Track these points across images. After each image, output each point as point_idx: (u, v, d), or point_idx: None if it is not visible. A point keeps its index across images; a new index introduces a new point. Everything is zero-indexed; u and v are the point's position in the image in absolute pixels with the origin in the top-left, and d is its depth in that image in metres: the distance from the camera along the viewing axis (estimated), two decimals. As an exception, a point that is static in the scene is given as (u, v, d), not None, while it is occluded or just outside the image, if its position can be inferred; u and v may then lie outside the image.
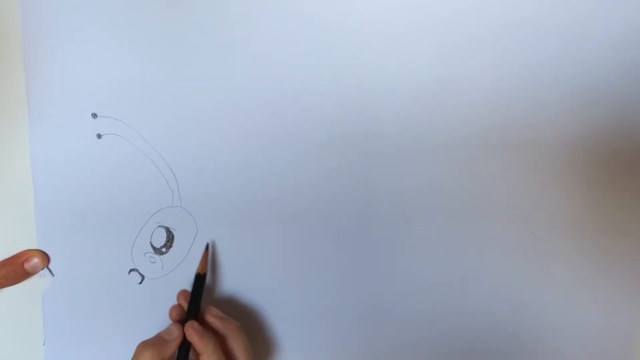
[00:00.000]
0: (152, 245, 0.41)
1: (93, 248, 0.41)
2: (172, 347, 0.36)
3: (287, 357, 0.43)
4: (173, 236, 0.41)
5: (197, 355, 0.37)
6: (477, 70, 0.38)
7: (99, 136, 0.38)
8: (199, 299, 0.39)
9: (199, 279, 0.39)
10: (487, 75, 0.38)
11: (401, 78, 0.38)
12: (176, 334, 0.37)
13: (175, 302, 0.41)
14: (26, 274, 0.40)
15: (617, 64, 0.38)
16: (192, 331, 0.37)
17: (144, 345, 0.36)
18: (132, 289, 0.41)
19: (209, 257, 0.41)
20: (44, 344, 0.42)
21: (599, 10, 0.37)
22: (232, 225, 0.40)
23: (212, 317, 0.38)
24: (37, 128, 0.38)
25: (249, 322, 0.42)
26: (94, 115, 0.38)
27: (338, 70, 0.38)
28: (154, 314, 0.42)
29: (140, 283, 0.41)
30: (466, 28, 0.37)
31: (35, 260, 0.40)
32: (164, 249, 0.41)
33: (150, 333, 0.42)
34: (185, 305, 0.39)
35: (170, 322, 0.39)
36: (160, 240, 0.41)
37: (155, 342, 0.36)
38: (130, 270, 0.41)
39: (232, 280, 0.41)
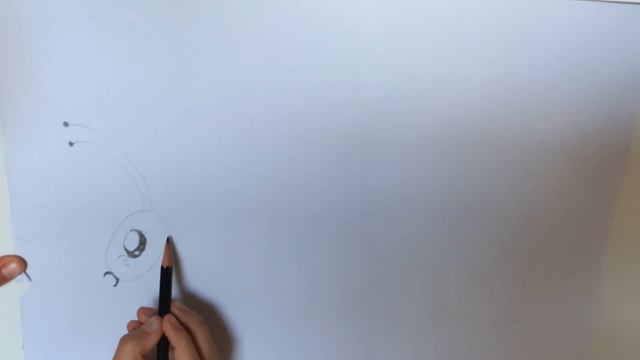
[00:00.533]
0: (125, 249, 0.42)
1: (69, 252, 0.42)
2: (153, 339, 0.38)
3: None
4: (145, 239, 0.42)
5: (172, 349, 0.38)
6: (476, 70, 0.39)
7: (71, 144, 0.40)
8: (169, 292, 0.40)
9: (165, 272, 0.41)
10: (486, 74, 0.39)
11: (401, 78, 0.40)
12: (156, 326, 0.38)
13: (148, 305, 0.42)
14: (3, 279, 0.41)
15: (617, 65, 0.39)
16: (168, 325, 0.38)
17: (126, 339, 0.37)
18: (108, 292, 0.43)
19: (172, 251, 0.42)
20: (23, 347, 0.43)
21: (599, 10, 0.38)
22: (202, 226, 0.42)
23: (176, 309, 0.40)
24: (11, 137, 0.40)
25: (212, 315, 0.43)
26: (66, 124, 0.39)
27: (336, 70, 0.39)
28: (130, 315, 0.43)
29: (115, 285, 0.43)
30: (466, 28, 0.39)
31: (13, 266, 0.41)
32: (137, 252, 0.42)
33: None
34: (144, 319, 0.40)
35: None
36: (133, 243, 0.42)
37: (136, 335, 0.37)
38: (105, 273, 0.42)
39: (196, 276, 0.43)
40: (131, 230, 0.42)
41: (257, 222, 0.42)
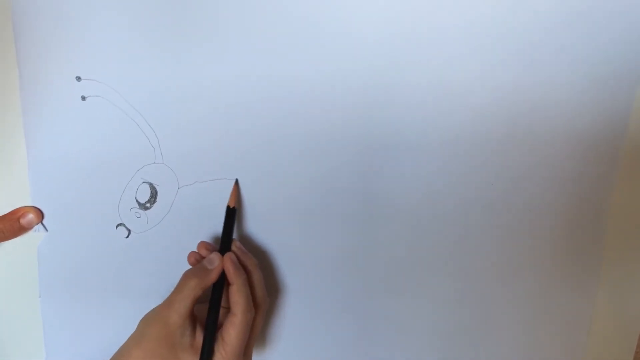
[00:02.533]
0: (137, 201, 0.44)
1: (83, 204, 0.44)
2: (214, 275, 0.39)
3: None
4: (157, 191, 0.43)
5: (228, 287, 0.40)
6: (481, 72, 0.40)
7: (83, 98, 0.41)
8: (231, 232, 0.42)
9: (230, 211, 0.42)
10: (492, 77, 0.40)
11: (407, 79, 0.40)
12: (217, 262, 0.39)
13: (159, 255, 0.44)
14: (22, 229, 0.43)
15: (617, 66, 0.40)
16: (230, 262, 0.39)
17: (189, 275, 0.39)
18: (121, 243, 0.44)
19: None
20: (39, 296, 0.45)
21: (598, 11, 0.39)
22: (211, 181, 0.43)
23: (236, 248, 0.41)
24: (27, 92, 0.41)
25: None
26: (78, 79, 0.41)
27: (343, 71, 0.40)
28: (141, 266, 0.45)
29: (127, 237, 0.44)
30: (471, 30, 0.39)
31: (31, 216, 0.43)
32: (148, 204, 0.44)
33: (138, 283, 0.45)
34: (204, 253, 0.41)
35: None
36: (144, 195, 0.44)
37: (198, 272, 0.39)
38: (118, 225, 0.44)
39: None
40: (143, 182, 0.43)
41: (260, 181, 0.43)
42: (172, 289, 0.45)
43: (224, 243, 0.41)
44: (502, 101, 0.40)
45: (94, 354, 0.47)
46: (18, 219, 0.43)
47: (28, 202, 0.43)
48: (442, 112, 0.41)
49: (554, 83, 0.40)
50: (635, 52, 0.39)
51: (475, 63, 0.40)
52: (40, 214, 0.44)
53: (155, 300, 0.45)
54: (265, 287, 0.42)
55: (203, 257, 0.41)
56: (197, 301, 0.38)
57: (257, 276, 0.41)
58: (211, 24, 0.40)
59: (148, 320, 0.39)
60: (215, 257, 0.40)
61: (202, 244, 0.42)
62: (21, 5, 0.40)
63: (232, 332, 0.38)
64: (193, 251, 0.42)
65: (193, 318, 0.39)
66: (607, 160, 0.42)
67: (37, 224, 0.44)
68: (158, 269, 0.45)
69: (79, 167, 0.43)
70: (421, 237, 0.44)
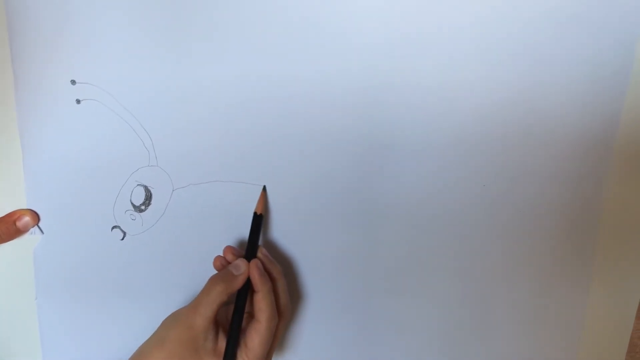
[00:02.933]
0: (132, 203, 0.44)
1: (78, 207, 0.44)
2: (240, 281, 0.39)
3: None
4: (151, 194, 0.44)
5: (252, 293, 0.40)
6: (479, 74, 0.40)
7: (78, 101, 0.42)
8: (257, 238, 0.42)
9: (256, 218, 0.42)
10: (488, 78, 0.40)
11: (409, 80, 0.40)
12: (243, 269, 0.39)
13: (155, 258, 0.44)
14: (18, 232, 0.43)
15: (607, 68, 0.40)
16: (256, 269, 0.39)
17: (215, 280, 0.39)
18: (116, 245, 0.45)
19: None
20: (36, 298, 0.46)
21: (590, 15, 0.39)
22: (206, 183, 0.43)
23: (262, 255, 0.41)
24: (23, 96, 0.42)
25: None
26: (73, 82, 0.41)
27: (343, 71, 0.40)
28: (137, 268, 0.45)
29: (123, 239, 0.45)
30: (469, 32, 0.39)
31: (27, 219, 0.44)
32: (143, 207, 0.44)
33: (134, 285, 0.46)
34: (230, 258, 0.41)
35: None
36: (139, 198, 0.44)
37: (225, 277, 0.39)
38: (113, 227, 0.44)
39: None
40: (137, 185, 0.43)
41: (257, 190, 0.43)
42: (167, 290, 0.45)
43: (249, 249, 0.41)
44: (497, 103, 0.41)
45: (91, 356, 0.47)
46: (14, 222, 0.43)
47: (24, 205, 0.44)
48: (438, 113, 0.41)
49: (547, 86, 0.40)
50: (624, 55, 0.39)
51: (472, 65, 0.40)
52: (36, 217, 0.44)
53: (151, 302, 0.46)
54: (288, 294, 0.42)
55: (229, 262, 0.41)
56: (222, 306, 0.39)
57: (281, 284, 0.41)
58: (206, 26, 0.40)
59: (171, 323, 0.39)
60: (241, 263, 0.40)
61: (228, 248, 0.42)
62: (16, 10, 0.40)
63: (255, 339, 0.38)
64: (219, 255, 0.42)
65: (216, 323, 0.39)
66: (600, 161, 0.42)
67: (33, 226, 0.44)
68: (153, 271, 0.45)
69: (75, 170, 0.43)
70: (420, 237, 0.44)
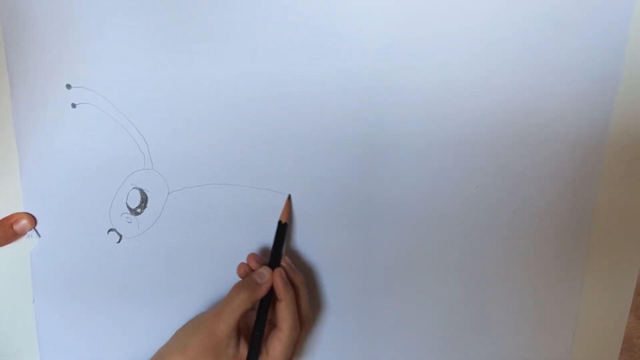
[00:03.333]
0: (128, 206, 0.44)
1: (74, 210, 0.44)
2: (264, 290, 0.39)
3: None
4: (147, 197, 0.44)
5: (275, 301, 0.40)
6: (478, 77, 0.40)
7: (74, 105, 0.42)
8: (281, 247, 0.42)
9: (281, 227, 0.42)
10: (487, 81, 0.40)
11: (408, 81, 0.41)
12: (267, 277, 0.40)
13: (151, 261, 0.44)
14: (15, 235, 0.44)
15: (598, 71, 0.40)
16: (280, 278, 0.40)
17: (240, 288, 0.39)
18: (112, 248, 0.45)
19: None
20: (33, 301, 0.46)
21: (588, 19, 0.39)
22: (201, 186, 0.44)
23: (285, 264, 0.41)
24: (18, 99, 0.42)
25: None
26: (68, 86, 0.42)
27: (345, 72, 0.41)
28: (133, 270, 0.45)
29: (119, 242, 0.45)
30: (472, 33, 0.40)
31: (24, 222, 0.44)
32: (139, 210, 0.44)
33: (130, 287, 0.46)
34: (254, 266, 0.42)
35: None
36: (135, 201, 0.44)
37: (249, 285, 0.39)
38: (109, 230, 0.45)
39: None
40: (133, 188, 0.44)
41: (253, 192, 0.44)
42: (164, 292, 0.46)
43: (273, 258, 0.42)
44: (491, 105, 0.41)
45: (89, 357, 0.47)
46: (11, 225, 0.44)
47: (21, 209, 0.44)
48: (436, 114, 0.41)
49: (540, 88, 0.40)
50: (614, 58, 0.40)
51: (468, 67, 0.40)
52: (33, 220, 0.44)
53: (148, 304, 0.46)
54: (309, 304, 0.42)
55: (252, 270, 0.41)
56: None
57: (303, 293, 0.41)
58: (202, 28, 0.40)
59: (193, 329, 0.39)
60: (265, 271, 0.40)
61: (252, 256, 0.42)
62: (10, 14, 0.40)
63: (277, 347, 0.38)
64: (243, 262, 0.42)
65: (238, 330, 0.39)
66: (592, 162, 0.42)
67: (30, 229, 0.44)
68: (150, 273, 0.45)
69: (71, 174, 0.44)
70: (416, 237, 0.44)
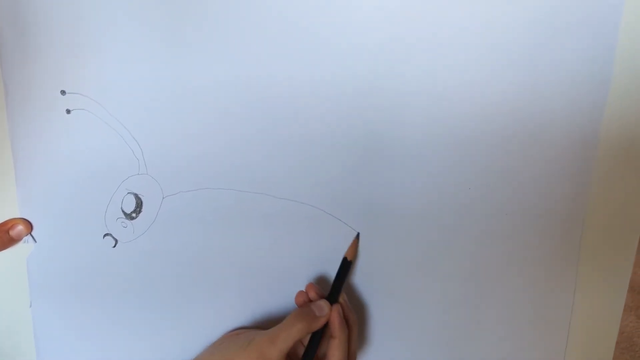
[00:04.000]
0: (123, 211, 0.44)
1: (70, 215, 0.44)
2: (321, 323, 0.40)
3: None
4: (142, 201, 0.44)
5: (328, 336, 0.40)
6: (474, 77, 0.40)
7: (68, 111, 0.42)
8: (342, 283, 0.42)
9: (346, 264, 0.42)
10: (483, 82, 0.40)
11: (408, 82, 0.41)
12: (326, 311, 0.40)
13: (146, 265, 0.45)
14: (11, 241, 0.44)
15: (589, 73, 0.40)
16: (337, 315, 0.40)
17: (298, 318, 0.39)
18: (108, 252, 0.45)
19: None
20: (30, 306, 0.46)
21: (579, 22, 0.39)
22: (195, 191, 0.44)
23: (343, 301, 0.41)
24: (13, 105, 0.42)
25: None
26: (63, 92, 0.42)
27: (344, 73, 0.41)
28: (129, 274, 0.45)
29: (114, 246, 0.45)
30: (465, 37, 0.40)
31: (20, 227, 0.44)
32: (134, 214, 0.45)
33: (127, 291, 0.46)
34: (312, 297, 0.42)
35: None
36: (130, 206, 0.44)
37: (307, 316, 0.39)
38: (105, 235, 0.45)
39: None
40: (128, 193, 0.44)
41: (246, 197, 0.44)
42: (160, 296, 0.46)
43: (333, 293, 0.42)
44: (482, 107, 0.41)
45: (86, 362, 0.48)
46: (7, 231, 0.44)
47: (17, 214, 0.44)
48: (432, 115, 0.41)
49: (532, 90, 0.40)
50: (605, 60, 0.40)
51: (464, 69, 0.40)
52: (29, 226, 0.45)
53: (144, 308, 0.46)
54: (357, 343, 0.42)
55: (310, 300, 0.42)
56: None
57: (354, 333, 0.41)
58: (196, 33, 0.41)
59: (242, 347, 0.39)
60: (325, 306, 0.40)
61: (311, 286, 0.42)
62: (5, 20, 0.41)
63: None
64: (301, 291, 0.42)
65: (288, 358, 0.39)
66: (584, 162, 0.42)
67: (26, 235, 0.45)
68: (146, 277, 0.46)
69: (66, 179, 0.44)
70: (413, 239, 0.44)
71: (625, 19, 0.39)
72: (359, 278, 0.45)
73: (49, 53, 0.41)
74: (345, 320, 0.41)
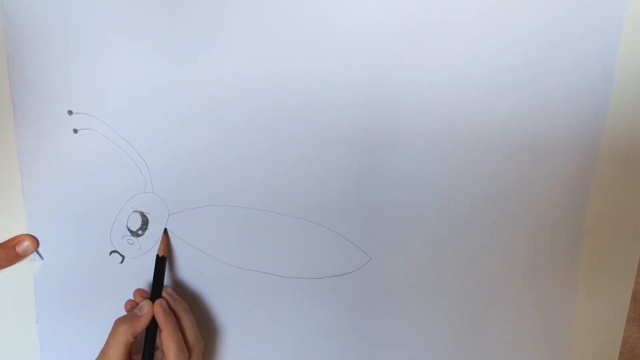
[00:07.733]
0: (128, 229, 0.45)
1: (77, 232, 0.45)
2: (143, 321, 0.41)
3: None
4: (148, 219, 0.45)
5: (160, 331, 0.41)
6: (484, 80, 0.40)
7: (75, 131, 0.43)
8: (161, 279, 0.44)
9: (159, 260, 0.44)
10: (494, 78, 0.40)
11: (411, 79, 0.41)
12: (146, 309, 0.41)
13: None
14: (18, 257, 0.44)
15: (590, 76, 0.40)
16: (159, 308, 0.41)
17: (119, 321, 0.41)
18: (115, 269, 0.46)
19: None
20: (37, 322, 0.47)
21: (574, 24, 0.39)
22: (200, 209, 0.44)
23: (167, 295, 0.43)
24: (21, 125, 0.43)
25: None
26: (70, 112, 0.42)
27: (347, 70, 0.41)
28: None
29: (122, 262, 0.46)
30: (467, 40, 0.40)
31: (27, 244, 0.45)
32: (140, 232, 0.45)
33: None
34: (139, 300, 0.43)
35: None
36: (136, 224, 0.45)
37: (128, 318, 0.41)
38: (112, 252, 0.45)
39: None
40: (134, 211, 0.44)
41: (252, 214, 0.44)
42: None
43: (154, 290, 0.43)
44: (484, 110, 0.41)
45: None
46: (14, 247, 0.44)
47: (24, 231, 0.45)
48: (431, 115, 0.41)
49: (534, 94, 0.41)
50: (608, 64, 0.40)
51: (465, 69, 0.40)
52: (35, 242, 0.45)
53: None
54: (197, 329, 0.43)
55: (137, 304, 0.43)
56: (133, 349, 0.41)
57: (187, 320, 0.43)
58: (202, 54, 0.41)
59: None
60: (145, 304, 0.42)
61: (138, 291, 0.44)
62: (14, 42, 0.41)
63: None
64: (130, 299, 0.44)
65: None
66: (586, 166, 0.42)
67: (32, 252, 0.45)
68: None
69: (72, 197, 0.44)
70: (411, 239, 0.44)
71: (627, 25, 0.39)
72: (362, 284, 0.45)
73: (56, 74, 0.41)
74: (174, 311, 0.42)
